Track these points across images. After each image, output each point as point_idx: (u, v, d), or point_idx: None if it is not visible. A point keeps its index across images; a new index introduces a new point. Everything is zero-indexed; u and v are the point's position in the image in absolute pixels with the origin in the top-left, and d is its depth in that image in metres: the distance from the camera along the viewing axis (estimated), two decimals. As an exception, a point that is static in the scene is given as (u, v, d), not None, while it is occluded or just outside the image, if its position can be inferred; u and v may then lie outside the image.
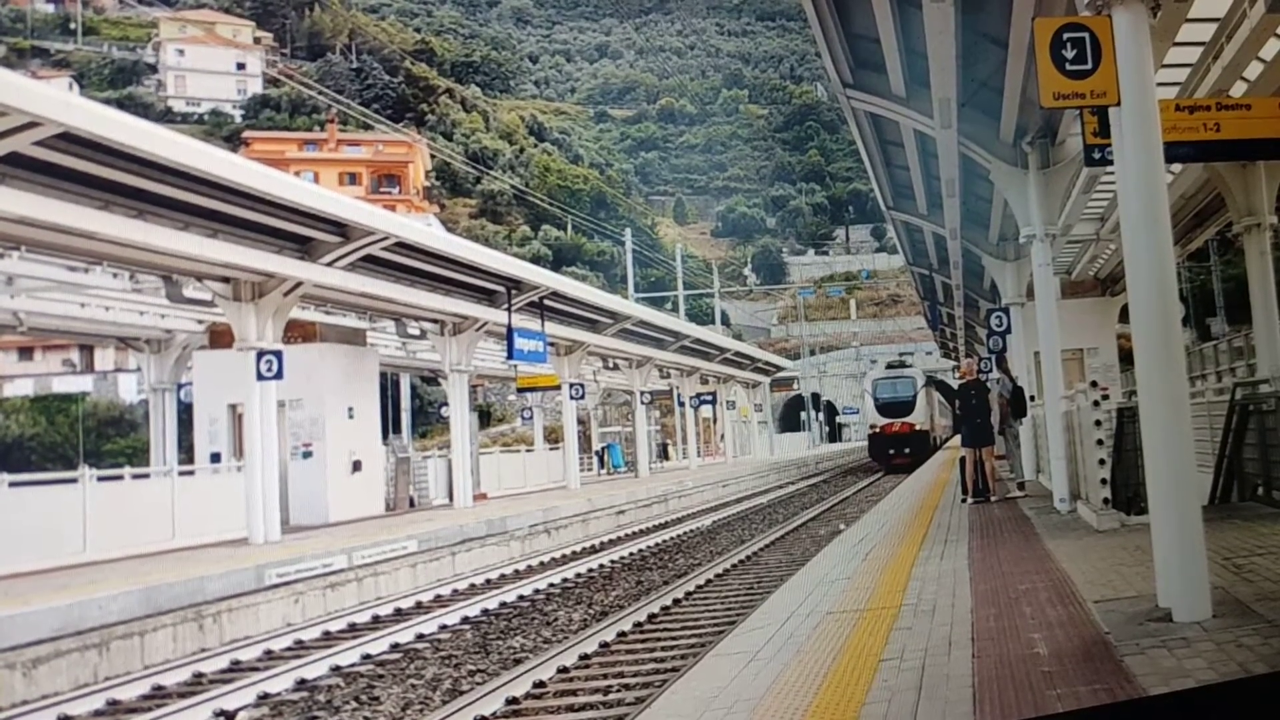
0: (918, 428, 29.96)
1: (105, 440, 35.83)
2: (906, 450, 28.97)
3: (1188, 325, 31.84)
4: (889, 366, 34.09)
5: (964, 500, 10.40)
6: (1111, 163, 4.93)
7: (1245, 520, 6.55)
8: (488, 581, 11.00)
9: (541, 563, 12.44)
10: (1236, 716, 1.51)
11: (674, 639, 7.39)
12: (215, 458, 14.61)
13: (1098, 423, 6.79)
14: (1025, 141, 9.00)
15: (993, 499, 10.20)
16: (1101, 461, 6.75)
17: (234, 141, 55.21)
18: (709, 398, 32.00)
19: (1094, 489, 6.96)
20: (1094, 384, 7.15)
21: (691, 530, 15.64)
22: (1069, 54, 4.46)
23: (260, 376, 11.65)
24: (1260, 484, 7.22)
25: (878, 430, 30.32)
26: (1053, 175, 8.92)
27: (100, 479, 11.39)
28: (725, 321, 56.31)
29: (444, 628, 8.44)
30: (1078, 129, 6.92)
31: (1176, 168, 10.05)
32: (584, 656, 6.93)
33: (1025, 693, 3.37)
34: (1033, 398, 11.43)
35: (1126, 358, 15.95)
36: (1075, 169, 9.26)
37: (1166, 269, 4.31)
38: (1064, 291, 14.29)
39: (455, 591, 10.38)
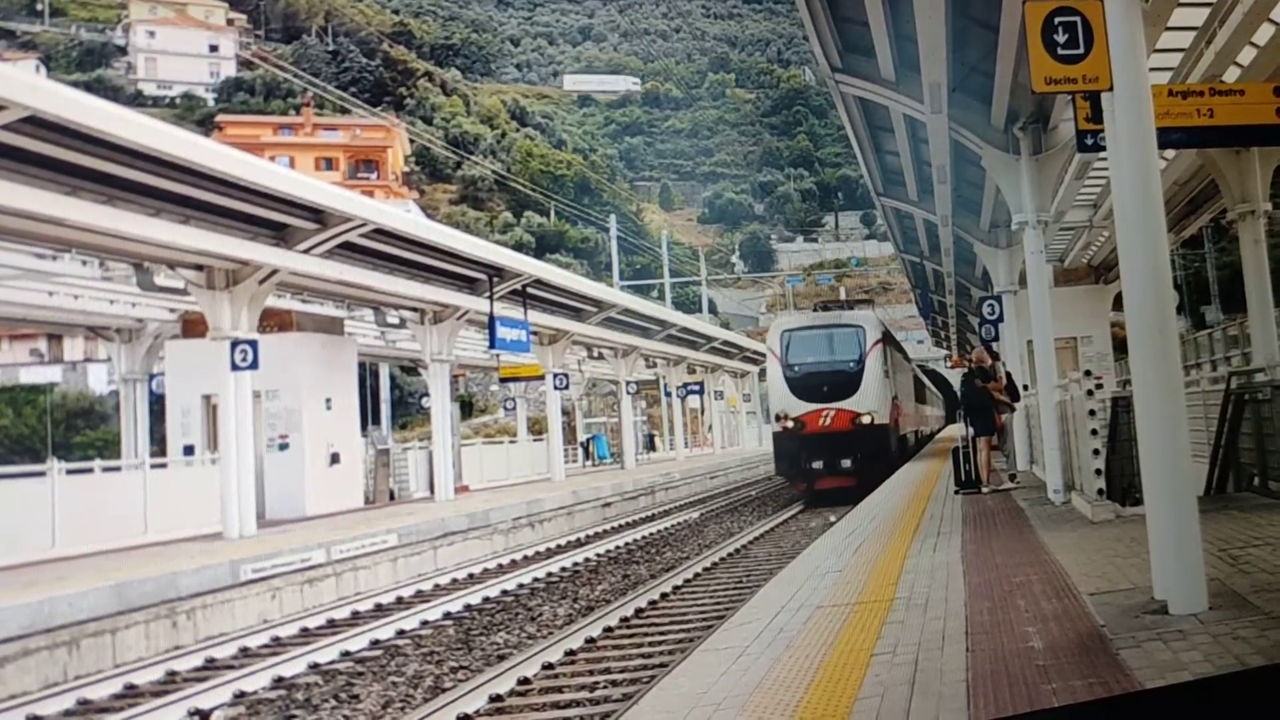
0: (866, 420, 16.55)
1: (74, 432, 35.23)
2: (845, 463, 16.16)
3: (1182, 313, 31.93)
4: (820, 309, 19.36)
5: (956, 491, 10.38)
6: (1104, 148, 4.88)
7: (1241, 511, 6.55)
8: (470, 576, 10.88)
9: (525, 556, 12.33)
10: (1233, 710, 1.44)
11: (662, 634, 7.31)
12: (188, 450, 14.35)
13: (1092, 412, 6.75)
14: (1017, 127, 8.94)
15: (984, 490, 10.19)
16: (1096, 452, 6.72)
17: (207, 125, 54.25)
18: (696, 387, 31.85)
19: (1088, 480, 6.94)
20: (1088, 373, 7.10)
21: (679, 523, 15.58)
22: (1060, 38, 4.43)
23: (235, 366, 11.42)
24: (1256, 474, 7.22)
25: (790, 426, 16.74)
26: (1045, 161, 8.88)
27: (69, 472, 11.20)
28: (712, 310, 56.30)
29: (426, 623, 8.32)
30: (1070, 114, 6.83)
31: (1170, 154, 10.03)
32: (570, 652, 6.83)
33: (1020, 687, 3.33)
34: (1026, 387, 11.44)
35: (1120, 346, 15.99)
36: (1068, 155, 9.22)
37: (1160, 256, 4.26)
38: (1057, 279, 14.28)
39: (437, 586, 10.25)
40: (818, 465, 16.37)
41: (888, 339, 18.53)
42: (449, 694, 5.97)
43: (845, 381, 16.80)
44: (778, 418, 17.08)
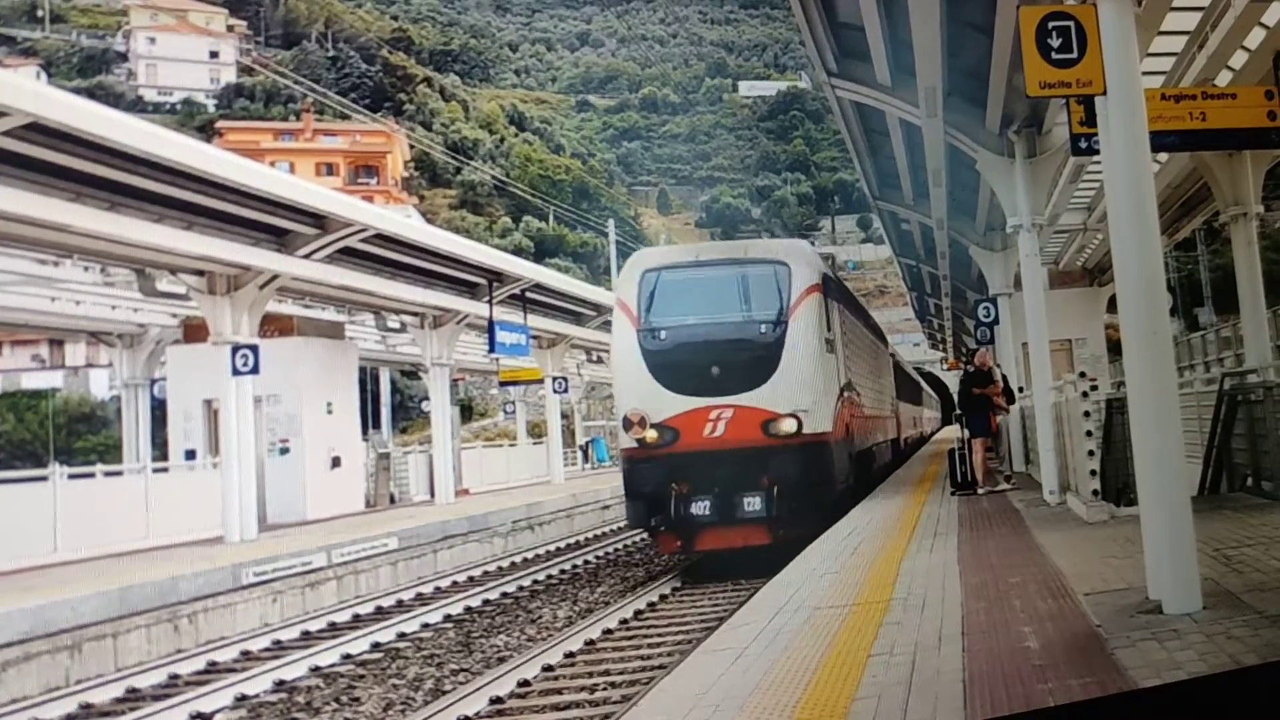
0: (790, 427, 9.42)
1: (76, 437, 35.23)
2: (752, 503, 9.28)
3: (1175, 315, 31.93)
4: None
5: (952, 493, 10.40)
6: (1098, 152, 4.91)
7: (1235, 511, 6.58)
8: (470, 579, 10.92)
9: (525, 559, 12.37)
10: (1227, 708, 1.49)
11: (660, 636, 7.34)
12: (190, 455, 14.41)
13: (1086, 414, 6.79)
14: (1011, 130, 8.99)
15: (980, 491, 10.22)
16: (1090, 453, 6.75)
17: (207, 131, 54.32)
18: (693, 390, 31.68)
19: (1083, 481, 6.97)
20: (1082, 375, 7.15)
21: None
22: (1054, 43, 4.45)
23: (236, 371, 11.46)
24: (1249, 474, 7.27)
25: (650, 438, 9.53)
26: (1039, 164, 8.94)
27: (71, 477, 11.24)
28: (709, 313, 56.07)
29: (426, 626, 8.36)
30: (1064, 118, 6.90)
31: (1163, 157, 10.08)
32: (569, 654, 6.87)
33: (1016, 687, 3.35)
34: (1021, 389, 11.50)
35: (1115, 348, 16.00)
36: (1062, 158, 9.28)
37: (1154, 258, 4.29)
38: (1051, 282, 14.36)
39: (437, 589, 10.28)
40: (701, 509, 9.17)
41: (833, 289, 10.89)
42: (449, 696, 6.01)
43: (752, 359, 9.46)
44: (628, 423, 9.48)
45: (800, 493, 9.23)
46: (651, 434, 9.48)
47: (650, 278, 9.88)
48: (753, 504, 9.22)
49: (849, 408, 10.92)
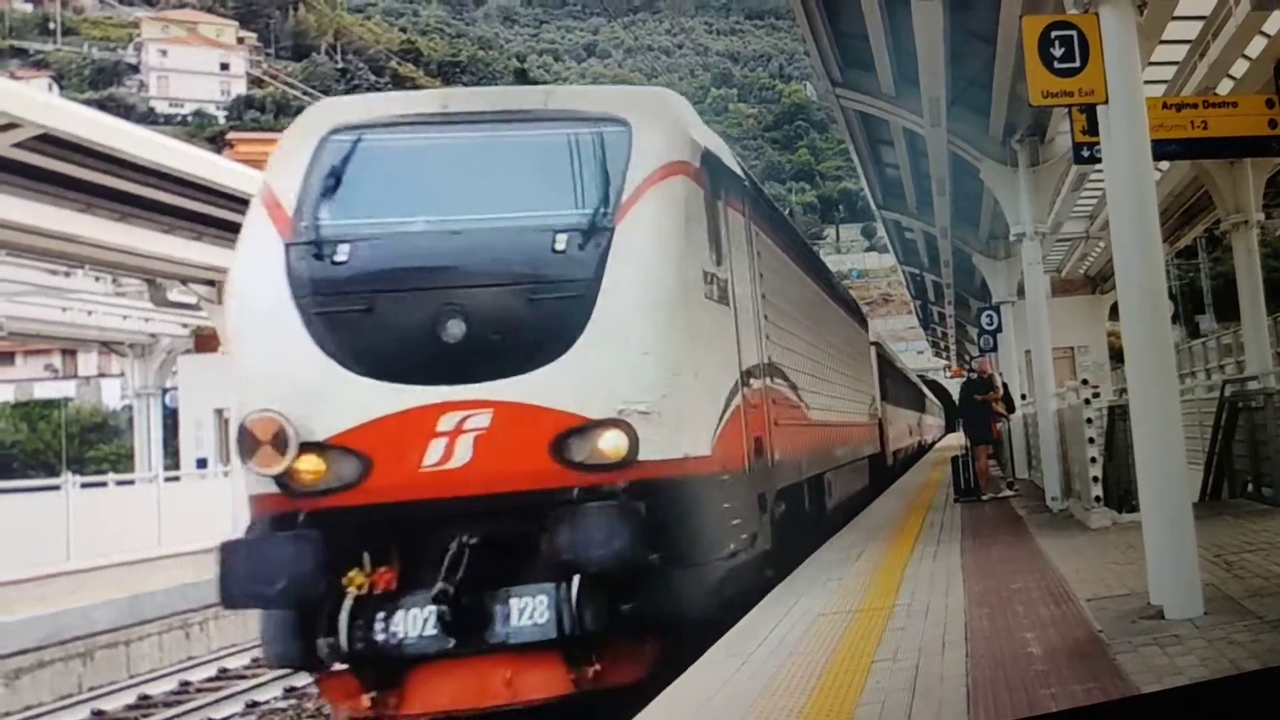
0: (613, 444, 4.23)
1: (88, 447, 35.44)
2: (531, 612, 4.11)
3: (1177, 322, 31.81)
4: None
5: (955, 499, 10.39)
6: (1100, 160, 4.95)
7: (1235, 517, 6.59)
8: (478, 585, 10.91)
9: (532, 565, 12.35)
10: (1229, 713, 1.52)
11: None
12: (202, 463, 14.51)
13: (1089, 421, 6.82)
14: (1014, 139, 9.05)
15: (984, 498, 10.21)
16: (1093, 459, 6.78)
17: (218, 143, 54.76)
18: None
19: (1085, 487, 6.99)
20: (1085, 382, 7.17)
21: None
22: (1057, 52, 4.47)
23: (246, 380, 11.54)
24: (1250, 480, 7.30)
25: (302, 474, 4.22)
26: (1042, 173, 8.99)
27: (83, 486, 11.33)
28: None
29: (434, 633, 8.37)
30: (1066, 127, 6.95)
31: (1164, 165, 10.11)
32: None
33: (1019, 692, 3.37)
34: (1024, 396, 11.51)
35: (1117, 355, 16.06)
36: (1064, 167, 9.33)
37: (1156, 266, 4.32)
38: (1054, 289, 14.42)
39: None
40: (416, 624, 4.13)
41: (732, 186, 5.88)
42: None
43: (533, 307, 4.40)
44: (251, 443, 4.41)
45: (635, 585, 4.40)
46: (309, 465, 4.47)
47: (337, 145, 4.88)
48: (531, 611, 4.37)
49: (764, 408, 6.17)
